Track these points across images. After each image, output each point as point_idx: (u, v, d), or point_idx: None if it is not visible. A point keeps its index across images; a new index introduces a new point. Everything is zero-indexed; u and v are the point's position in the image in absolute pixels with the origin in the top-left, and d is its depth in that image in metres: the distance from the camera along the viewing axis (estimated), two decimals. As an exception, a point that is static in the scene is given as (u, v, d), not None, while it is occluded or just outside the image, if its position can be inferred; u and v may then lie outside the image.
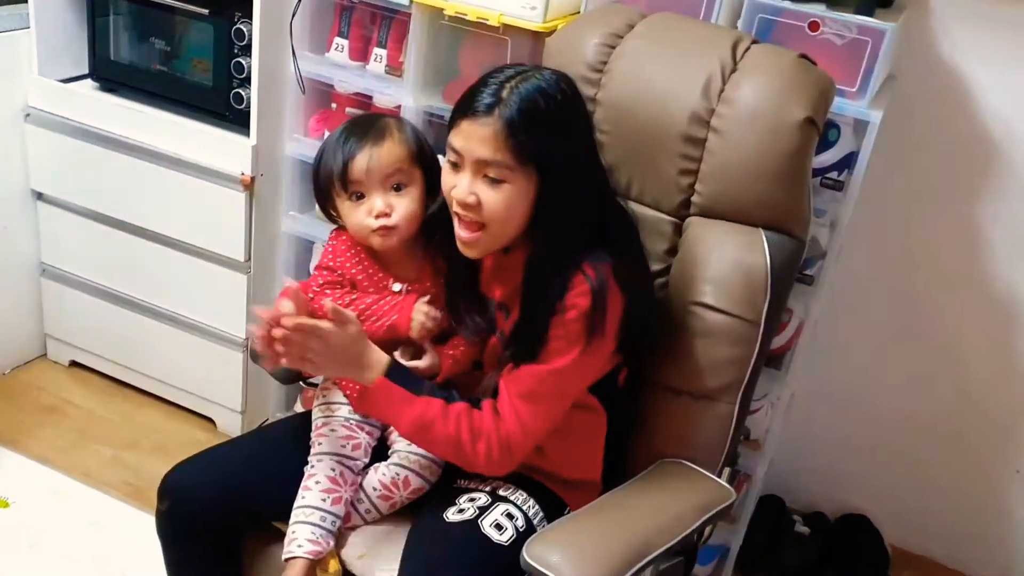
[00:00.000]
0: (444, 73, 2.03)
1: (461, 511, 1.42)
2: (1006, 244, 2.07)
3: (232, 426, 2.46)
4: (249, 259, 2.26)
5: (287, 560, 1.45)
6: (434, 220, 1.49)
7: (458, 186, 1.36)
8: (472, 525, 1.40)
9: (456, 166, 1.37)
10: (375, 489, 1.52)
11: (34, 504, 2.19)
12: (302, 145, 2.20)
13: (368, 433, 1.55)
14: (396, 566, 1.39)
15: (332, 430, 1.53)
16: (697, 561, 1.58)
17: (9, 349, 2.59)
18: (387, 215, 1.50)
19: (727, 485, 1.53)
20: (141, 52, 2.30)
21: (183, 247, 2.31)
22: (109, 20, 2.31)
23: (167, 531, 1.52)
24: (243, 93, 2.15)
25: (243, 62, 2.13)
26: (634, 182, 1.63)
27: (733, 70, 1.57)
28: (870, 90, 1.74)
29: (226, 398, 2.44)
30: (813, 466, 2.39)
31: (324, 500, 1.47)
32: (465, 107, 1.34)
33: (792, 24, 1.77)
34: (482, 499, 1.45)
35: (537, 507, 1.47)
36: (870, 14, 1.74)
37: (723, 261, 1.54)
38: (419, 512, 1.50)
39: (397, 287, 1.56)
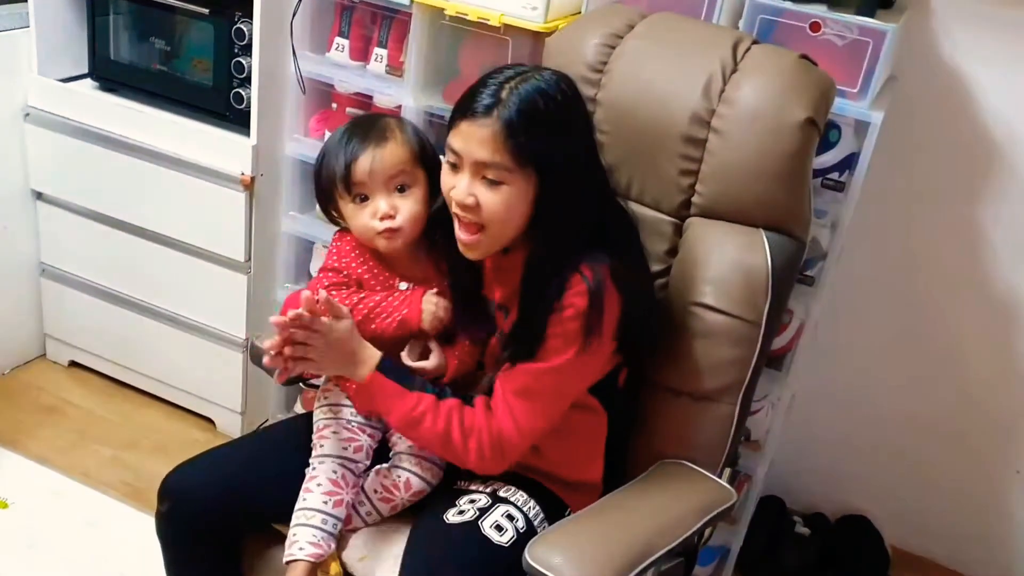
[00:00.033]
0: (445, 73, 2.03)
1: (461, 512, 1.42)
2: (1007, 245, 2.07)
3: (232, 426, 2.46)
4: (249, 259, 2.25)
5: (288, 563, 1.45)
6: (436, 220, 1.48)
7: (457, 187, 1.35)
8: (472, 526, 1.40)
9: (455, 167, 1.36)
10: (376, 491, 1.52)
11: (33, 504, 2.19)
12: (302, 145, 2.20)
13: (370, 435, 1.55)
14: (397, 568, 1.39)
15: (334, 432, 1.53)
16: (697, 562, 1.57)
17: (9, 349, 2.59)
18: (392, 217, 1.49)
19: (728, 486, 1.52)
20: (141, 52, 2.29)
21: (183, 247, 2.31)
22: (109, 19, 2.31)
23: (167, 532, 1.52)
24: (243, 93, 2.15)
25: (243, 62, 2.13)
26: (634, 182, 1.63)
27: (734, 70, 1.56)
28: (871, 91, 1.73)
29: (226, 398, 2.44)
30: (813, 467, 2.39)
31: (326, 503, 1.47)
32: (464, 108, 1.33)
33: (793, 25, 1.76)
34: (482, 500, 1.45)
35: (538, 508, 1.46)
36: (871, 15, 1.74)
37: (723, 262, 1.54)
38: (419, 513, 1.49)
39: (404, 286, 1.55)
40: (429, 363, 1.50)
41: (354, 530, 1.52)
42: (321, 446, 1.52)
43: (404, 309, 1.50)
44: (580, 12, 1.92)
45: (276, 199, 2.25)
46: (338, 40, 2.11)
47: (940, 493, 2.31)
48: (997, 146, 2.01)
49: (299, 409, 2.35)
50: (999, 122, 1.99)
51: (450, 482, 1.53)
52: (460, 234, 1.39)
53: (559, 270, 1.35)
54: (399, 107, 2.04)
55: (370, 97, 2.12)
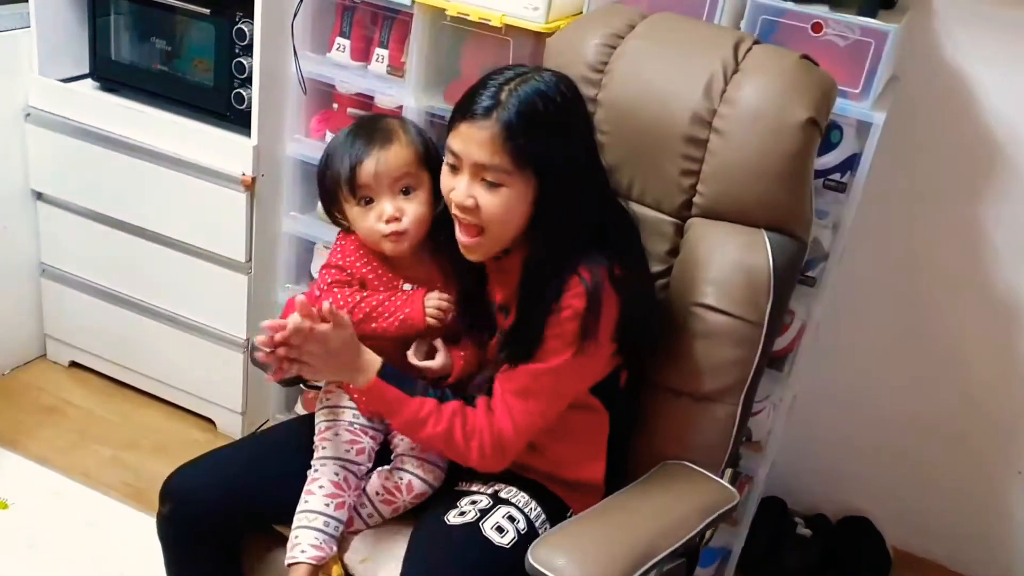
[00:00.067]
0: (446, 74, 2.03)
1: (462, 514, 1.42)
2: (1009, 246, 2.07)
3: (232, 427, 2.46)
4: (250, 260, 2.25)
5: (290, 565, 1.45)
6: (440, 222, 1.48)
7: (456, 189, 1.36)
8: (473, 528, 1.40)
9: (455, 168, 1.37)
10: (378, 494, 1.51)
11: (33, 504, 2.18)
12: (303, 145, 2.19)
13: (372, 437, 1.54)
14: (398, 570, 1.38)
15: (336, 434, 1.52)
16: (699, 563, 1.57)
17: (9, 349, 2.58)
18: (398, 220, 1.49)
19: (730, 487, 1.52)
20: (142, 52, 2.29)
21: (183, 247, 2.31)
22: (110, 20, 2.30)
23: (168, 533, 1.52)
24: (244, 93, 2.15)
25: (244, 62, 2.13)
26: (635, 183, 1.63)
27: (735, 70, 1.56)
28: (873, 91, 1.73)
29: (226, 399, 2.43)
30: (815, 468, 2.39)
31: (328, 505, 1.46)
32: (464, 109, 1.33)
33: (795, 25, 1.76)
34: (483, 501, 1.44)
35: (539, 509, 1.46)
36: (873, 15, 1.74)
37: (725, 262, 1.54)
38: (421, 515, 1.49)
39: (408, 287, 1.55)
40: (435, 362, 1.50)
41: (356, 532, 1.52)
42: (323, 448, 1.52)
43: (406, 308, 1.50)
44: (581, 12, 1.92)
45: (277, 199, 2.25)
46: (339, 40, 2.11)
47: (942, 494, 2.31)
48: (999, 147, 2.00)
49: (300, 410, 2.35)
50: (1001, 123, 1.98)
51: (451, 483, 1.53)
52: (460, 236, 1.39)
53: (558, 271, 1.35)
54: (400, 107, 2.04)
55: (371, 97, 2.12)
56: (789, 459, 2.25)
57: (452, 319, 1.55)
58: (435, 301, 1.50)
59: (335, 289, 1.53)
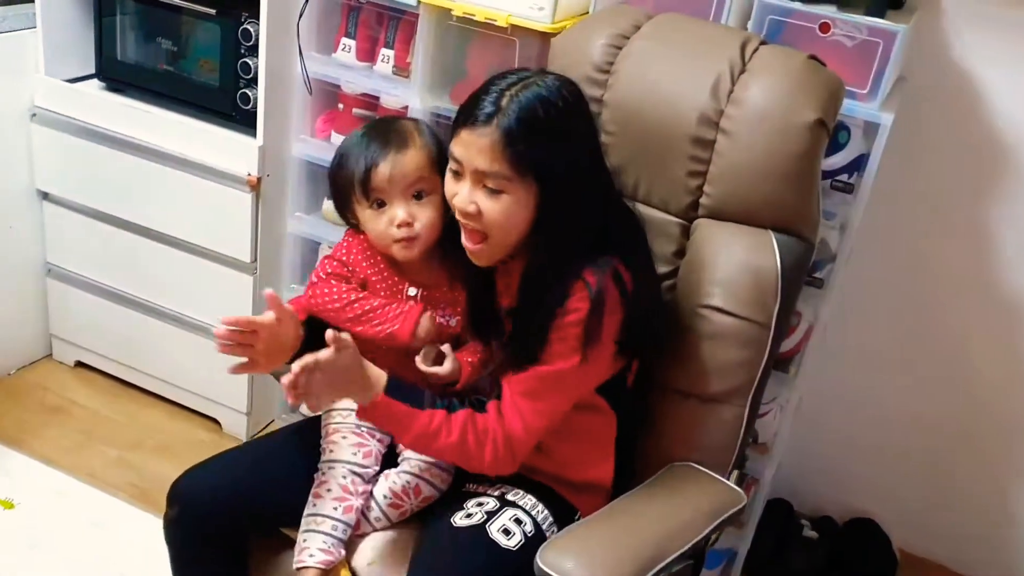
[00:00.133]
0: (452, 74, 2.03)
1: (469, 516, 1.42)
2: (1016, 247, 2.06)
3: (237, 427, 2.46)
4: (255, 260, 2.25)
5: (298, 569, 1.44)
6: (450, 226, 1.47)
7: (459, 194, 1.36)
8: (480, 530, 1.39)
9: (458, 174, 1.37)
10: (385, 497, 1.51)
11: (38, 504, 2.18)
12: (309, 146, 2.19)
13: (379, 440, 1.54)
14: (405, 573, 1.38)
15: (343, 437, 1.52)
16: (704, 565, 1.56)
17: (14, 349, 2.59)
18: (410, 225, 1.48)
19: (738, 489, 1.52)
20: (147, 52, 2.29)
21: (189, 247, 2.31)
22: (116, 20, 2.30)
23: (176, 536, 1.52)
24: (250, 93, 2.15)
25: (250, 62, 2.13)
26: (641, 183, 1.62)
27: (742, 71, 1.56)
28: (881, 92, 1.73)
29: (231, 399, 2.43)
30: (821, 470, 2.38)
31: (335, 508, 1.46)
32: (466, 116, 1.33)
33: (802, 25, 1.75)
34: (490, 504, 1.44)
35: (546, 512, 1.46)
36: (881, 16, 1.73)
37: (732, 263, 1.53)
38: (427, 517, 1.49)
39: (413, 291, 1.54)
40: (443, 368, 1.49)
41: (363, 535, 1.51)
42: (330, 451, 1.52)
43: (396, 324, 1.49)
44: (588, 13, 1.91)
45: (282, 200, 2.25)
46: (345, 41, 2.11)
47: (948, 496, 2.30)
48: (1007, 147, 2.00)
49: (305, 411, 2.34)
50: (1009, 123, 1.98)
51: (458, 485, 1.52)
52: (465, 242, 1.40)
53: (561, 276, 1.35)
54: (406, 108, 2.03)
55: (377, 98, 2.12)
56: (795, 461, 2.24)
57: (459, 324, 1.55)
58: (427, 324, 1.49)
59: (332, 281, 1.53)
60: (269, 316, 1.37)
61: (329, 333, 1.31)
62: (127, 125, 2.26)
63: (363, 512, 1.50)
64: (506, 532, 1.40)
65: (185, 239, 2.30)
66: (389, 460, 1.55)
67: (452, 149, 1.36)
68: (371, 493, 1.51)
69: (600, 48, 1.63)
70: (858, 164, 1.81)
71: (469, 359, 1.53)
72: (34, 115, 2.37)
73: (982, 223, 2.07)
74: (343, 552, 1.46)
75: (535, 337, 1.36)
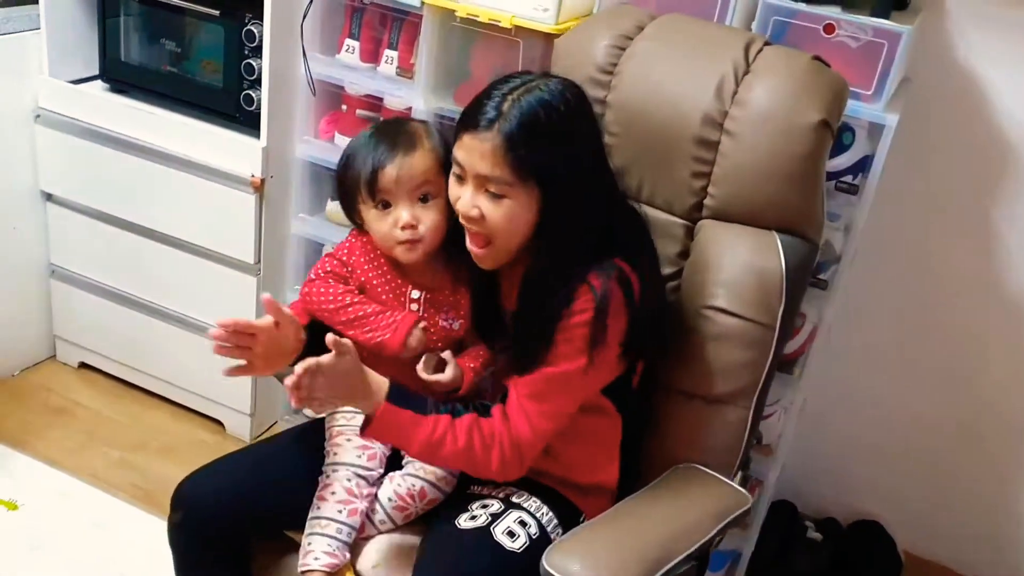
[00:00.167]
0: (455, 75, 2.03)
1: (473, 518, 1.41)
2: (1021, 247, 2.05)
3: (241, 428, 2.46)
4: (259, 261, 2.25)
5: (303, 572, 1.44)
6: (456, 229, 1.47)
7: (462, 199, 1.36)
8: (484, 532, 1.39)
9: (461, 178, 1.37)
10: (390, 500, 1.50)
11: (41, 505, 2.18)
12: (312, 147, 2.19)
13: (384, 443, 1.53)
14: (409, 575, 1.38)
15: (348, 440, 1.52)
16: (708, 566, 1.56)
17: (18, 350, 2.59)
18: (414, 227, 1.48)
19: (743, 490, 1.52)
20: (151, 53, 2.29)
21: (192, 249, 2.31)
22: (119, 21, 2.31)
23: (179, 540, 1.51)
24: (253, 95, 2.15)
25: (253, 63, 2.13)
26: (645, 184, 1.62)
27: (746, 72, 1.56)
28: (886, 93, 1.72)
29: (235, 400, 2.43)
30: (825, 471, 2.37)
31: (340, 512, 1.46)
32: (468, 120, 1.34)
33: (807, 26, 1.75)
34: (495, 506, 1.44)
35: (551, 514, 1.46)
36: (886, 16, 1.73)
37: (736, 264, 1.53)
38: (432, 520, 1.49)
39: (416, 294, 1.54)
40: (445, 376, 1.49)
41: (368, 538, 1.50)
42: (335, 454, 1.51)
43: (387, 334, 1.48)
44: (592, 14, 1.91)
45: (286, 201, 2.25)
46: (348, 42, 2.10)
47: (953, 497, 2.30)
48: (1012, 148, 1.99)
49: (308, 412, 2.34)
50: (1014, 124, 1.97)
51: (463, 487, 1.52)
52: (470, 245, 1.40)
53: (566, 279, 1.35)
54: (409, 109, 2.03)
55: (380, 99, 2.12)
56: (799, 463, 2.24)
57: (462, 327, 1.55)
58: (418, 335, 1.49)
59: (330, 281, 1.53)
60: (267, 320, 1.36)
61: (329, 337, 1.31)
62: (131, 126, 2.26)
63: (368, 515, 1.50)
64: (511, 534, 1.39)
65: (189, 240, 2.30)
66: (394, 463, 1.55)
67: (455, 153, 1.36)
68: (376, 496, 1.51)
69: (603, 49, 1.63)
70: (863, 165, 1.81)
71: (471, 364, 1.52)
72: (38, 116, 2.37)
73: (987, 224, 2.07)
74: (348, 555, 1.46)
75: (537, 340, 1.36)
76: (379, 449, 1.52)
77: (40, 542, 2.09)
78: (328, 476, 1.49)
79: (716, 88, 1.54)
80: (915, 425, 2.28)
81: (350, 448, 1.51)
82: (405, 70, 2.05)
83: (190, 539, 1.50)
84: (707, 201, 1.58)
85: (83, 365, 2.64)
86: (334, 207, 2.23)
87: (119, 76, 2.35)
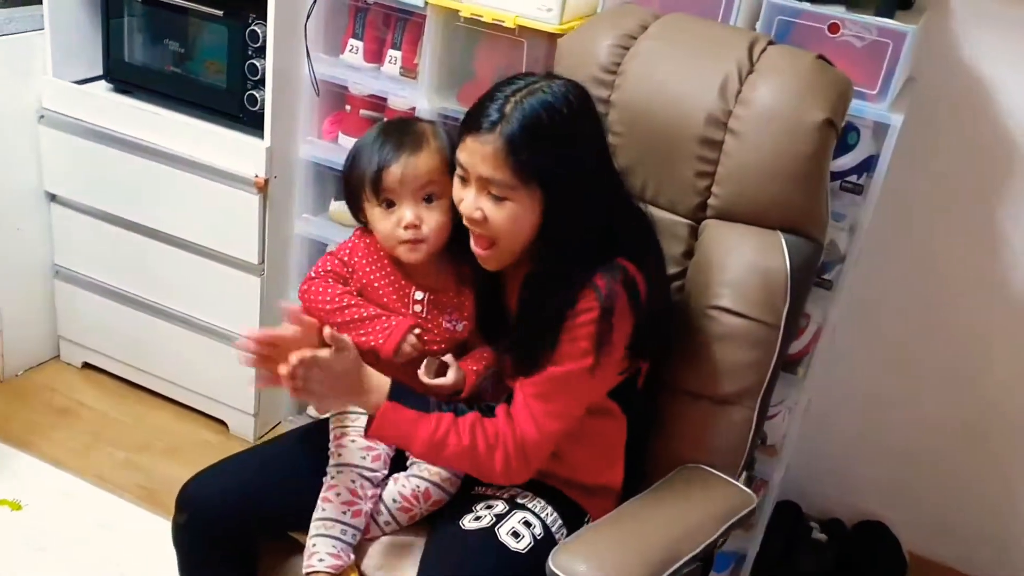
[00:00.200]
0: (459, 75, 2.02)
1: (478, 518, 1.41)
2: (1026, 248, 2.05)
3: (245, 429, 2.46)
4: (262, 261, 2.25)
5: (308, 574, 1.44)
6: (461, 229, 1.47)
7: (465, 200, 1.36)
8: (489, 533, 1.39)
9: (464, 180, 1.37)
10: (395, 501, 1.50)
11: (45, 506, 2.19)
12: (316, 147, 2.19)
13: (387, 444, 1.53)
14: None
15: (352, 441, 1.51)
16: (713, 567, 1.56)
17: (22, 350, 2.59)
18: (417, 227, 1.48)
19: (748, 490, 1.51)
20: (155, 54, 2.29)
21: (196, 249, 2.31)
22: (123, 22, 2.31)
23: (184, 541, 1.51)
24: (257, 95, 2.15)
25: (257, 64, 2.13)
26: (649, 184, 1.62)
27: (750, 71, 1.55)
28: (890, 93, 1.72)
29: (239, 401, 2.43)
30: (830, 472, 2.37)
31: (344, 513, 1.46)
32: (471, 122, 1.34)
33: (811, 26, 1.75)
34: (499, 506, 1.44)
35: (555, 515, 1.45)
36: (891, 16, 1.73)
37: (741, 264, 1.53)
38: (436, 520, 1.48)
39: (420, 295, 1.54)
40: (448, 379, 1.49)
41: (372, 539, 1.50)
42: (339, 455, 1.51)
43: (380, 339, 1.48)
44: (595, 14, 1.91)
45: (290, 201, 2.25)
46: (352, 42, 2.10)
47: (958, 497, 2.29)
48: (1017, 148, 1.99)
49: (312, 412, 2.34)
50: (1019, 123, 1.97)
51: (467, 488, 1.52)
52: (474, 247, 1.40)
53: (570, 280, 1.34)
54: (413, 109, 2.03)
55: (384, 99, 2.12)
56: (804, 463, 2.24)
57: (466, 328, 1.54)
58: (413, 341, 1.49)
59: (329, 280, 1.53)
60: (291, 328, 1.35)
61: (327, 332, 1.31)
62: (134, 127, 2.27)
63: (372, 516, 1.49)
64: (515, 535, 1.39)
65: (192, 241, 2.30)
66: (398, 464, 1.54)
67: (458, 155, 1.36)
68: (380, 497, 1.50)
69: (607, 49, 1.63)
70: (868, 165, 1.81)
71: (474, 367, 1.52)
72: (42, 117, 2.37)
73: (992, 224, 2.06)
74: (352, 556, 1.46)
75: (540, 340, 1.36)
76: (383, 450, 1.52)
77: (44, 542, 2.09)
78: (332, 477, 1.49)
79: (720, 87, 1.54)
80: (920, 425, 2.27)
81: (354, 449, 1.50)
82: (409, 70, 2.05)
83: (195, 540, 1.50)
84: (711, 201, 1.58)
85: (87, 365, 2.64)
86: (337, 207, 2.23)
87: (123, 76, 2.35)
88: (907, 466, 2.32)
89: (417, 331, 1.50)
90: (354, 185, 1.52)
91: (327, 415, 1.57)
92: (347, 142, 2.13)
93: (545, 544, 1.37)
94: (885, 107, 1.72)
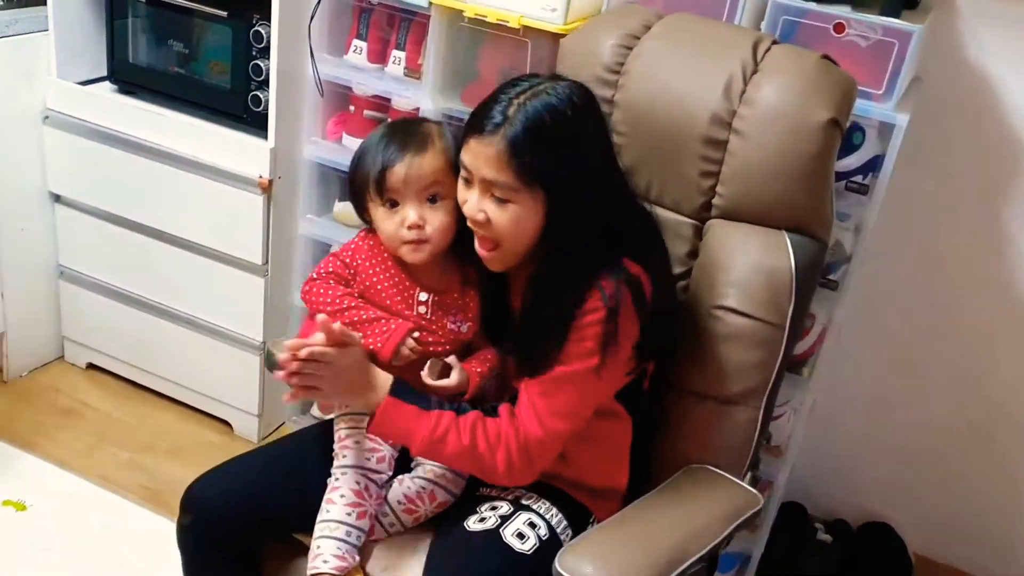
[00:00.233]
0: (463, 75, 2.02)
1: (482, 520, 1.41)
2: (1032, 248, 2.05)
3: (248, 429, 2.46)
4: (266, 262, 2.25)
5: None
6: (466, 230, 1.46)
7: (468, 202, 1.37)
8: (493, 534, 1.39)
9: (468, 182, 1.37)
10: (400, 503, 1.50)
11: (49, 506, 2.19)
12: (320, 148, 2.19)
13: (392, 445, 1.53)
14: (419, 577, 1.38)
15: (356, 442, 1.51)
16: (718, 568, 1.56)
17: (27, 351, 2.59)
18: (420, 228, 1.47)
19: (754, 491, 1.51)
20: (159, 54, 2.29)
21: (200, 250, 2.31)
22: (127, 22, 2.31)
23: (189, 542, 1.51)
24: (261, 95, 2.15)
25: (261, 64, 2.13)
26: (653, 184, 1.62)
27: (754, 71, 1.55)
28: (896, 92, 1.71)
29: (243, 401, 2.43)
30: (835, 473, 2.36)
31: (349, 514, 1.45)
32: (474, 124, 1.34)
33: (817, 26, 1.74)
34: (504, 508, 1.43)
35: (560, 516, 1.45)
36: (896, 16, 1.72)
37: (746, 264, 1.53)
38: (441, 521, 1.48)
39: (424, 296, 1.53)
40: (451, 381, 1.48)
41: (377, 540, 1.50)
42: (344, 456, 1.50)
43: (379, 343, 1.48)
44: (599, 13, 1.90)
45: (294, 202, 2.25)
46: (356, 42, 2.10)
47: (964, 498, 2.29)
48: (1023, 147, 1.98)
49: (315, 412, 2.34)
50: (1025, 123, 1.96)
51: (472, 489, 1.51)
52: (478, 248, 1.40)
53: (575, 281, 1.34)
54: (417, 110, 2.03)
55: (388, 100, 2.12)
56: (809, 464, 2.23)
57: (470, 330, 1.54)
58: (411, 344, 1.48)
59: (331, 282, 1.53)
60: (319, 337, 1.34)
61: (337, 326, 1.32)
62: (139, 127, 2.27)
63: (377, 518, 1.49)
64: (520, 536, 1.39)
65: (196, 241, 2.30)
66: (403, 465, 1.54)
67: (462, 157, 1.36)
68: (385, 498, 1.50)
69: (610, 48, 1.63)
70: (873, 165, 1.80)
71: (478, 369, 1.51)
72: (46, 117, 2.37)
73: (998, 224, 2.06)
74: (357, 558, 1.45)
75: (545, 340, 1.35)
76: (388, 452, 1.52)
77: (49, 543, 2.09)
78: (337, 479, 1.49)
79: (724, 87, 1.53)
80: (925, 426, 2.27)
81: (359, 450, 1.50)
82: (413, 71, 2.05)
83: (199, 541, 1.50)
84: (716, 200, 1.58)
85: (91, 366, 2.65)
86: (342, 208, 2.23)
87: (127, 77, 2.35)
88: (913, 467, 2.31)
89: (416, 335, 1.50)
90: (359, 185, 1.52)
91: (331, 416, 1.57)
92: (351, 143, 2.13)
93: (550, 546, 1.37)
94: (891, 107, 1.72)
